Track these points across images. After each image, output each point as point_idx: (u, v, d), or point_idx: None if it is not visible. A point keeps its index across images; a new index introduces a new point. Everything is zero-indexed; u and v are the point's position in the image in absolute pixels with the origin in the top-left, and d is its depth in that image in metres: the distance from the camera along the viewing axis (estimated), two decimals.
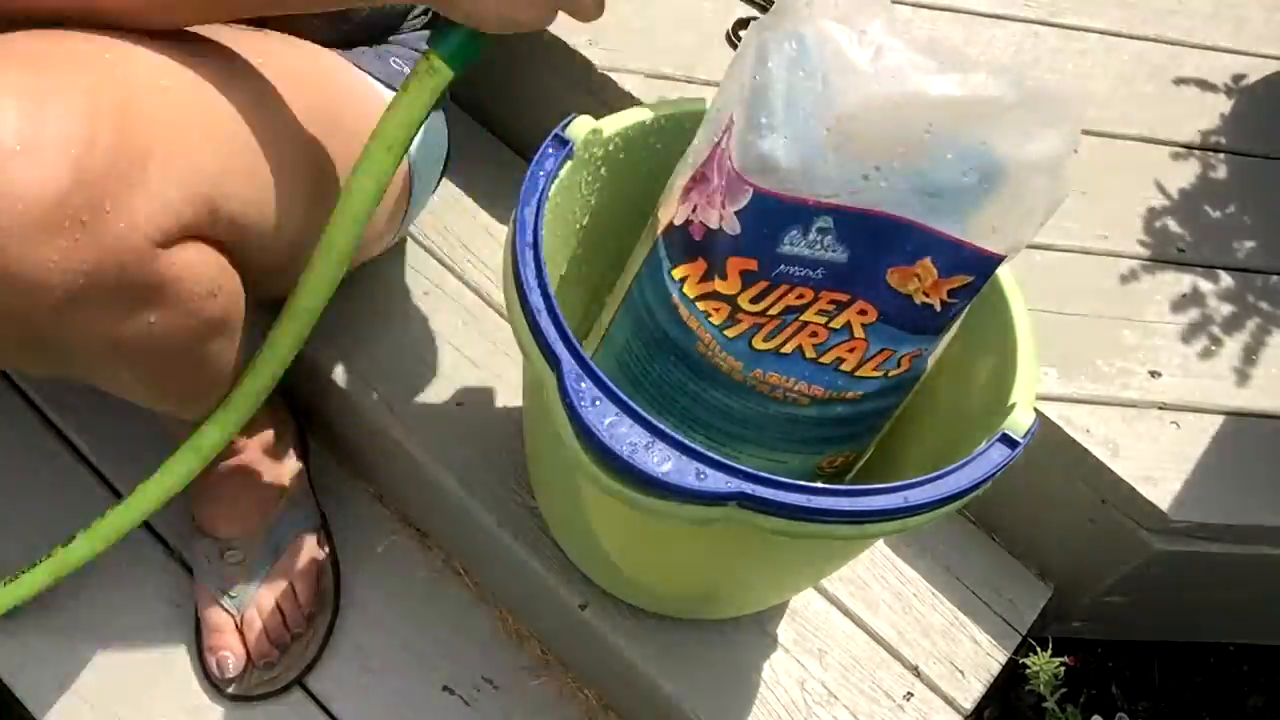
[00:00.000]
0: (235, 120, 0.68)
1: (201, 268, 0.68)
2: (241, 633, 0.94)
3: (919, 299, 0.70)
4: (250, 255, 0.73)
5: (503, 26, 0.67)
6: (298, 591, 0.96)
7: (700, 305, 0.71)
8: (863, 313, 0.71)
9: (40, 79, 0.57)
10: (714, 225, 0.69)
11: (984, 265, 0.69)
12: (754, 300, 0.70)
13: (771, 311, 0.70)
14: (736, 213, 0.67)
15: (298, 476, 1.01)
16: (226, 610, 0.94)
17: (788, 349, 0.71)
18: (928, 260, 0.68)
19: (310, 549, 0.99)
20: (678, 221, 0.71)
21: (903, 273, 0.69)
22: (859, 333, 0.72)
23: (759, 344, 0.71)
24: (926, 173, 0.66)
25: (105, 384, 0.76)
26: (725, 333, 0.71)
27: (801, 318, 0.71)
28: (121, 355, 0.69)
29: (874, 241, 0.67)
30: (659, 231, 0.73)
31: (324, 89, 0.82)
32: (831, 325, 0.71)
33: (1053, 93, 0.64)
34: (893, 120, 0.64)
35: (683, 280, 0.71)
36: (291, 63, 0.78)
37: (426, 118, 0.69)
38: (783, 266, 0.68)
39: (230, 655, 0.93)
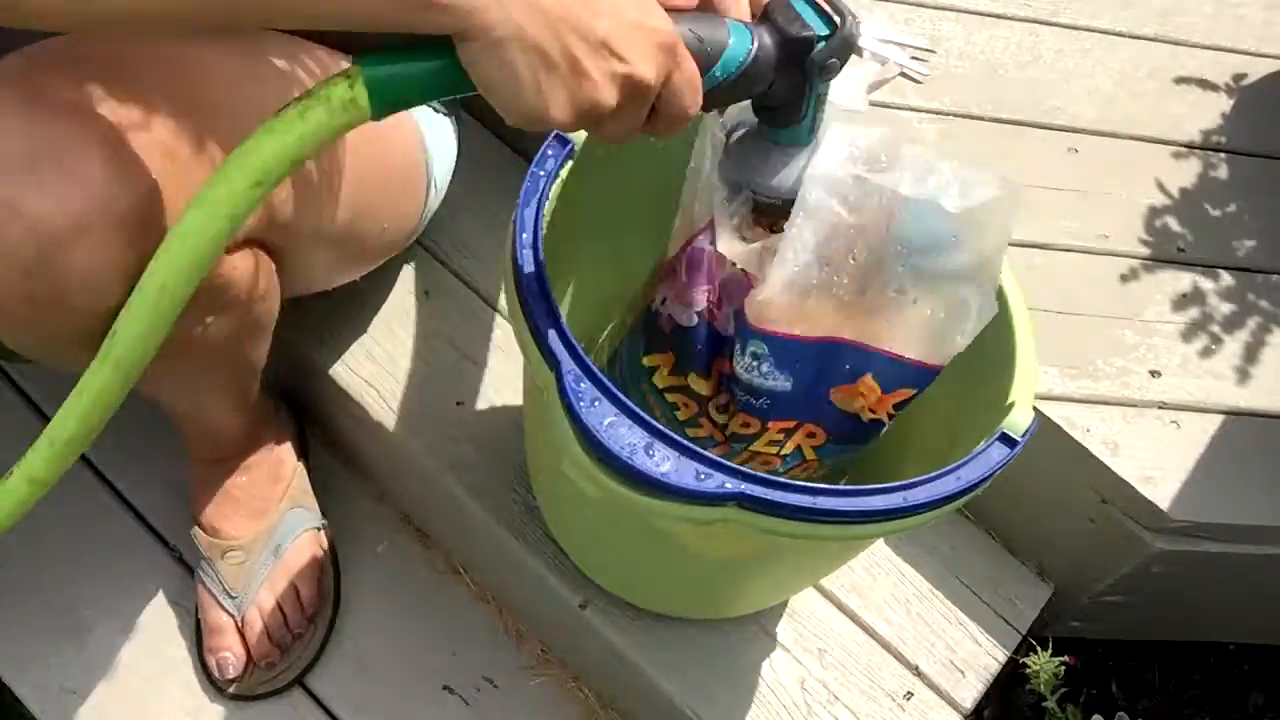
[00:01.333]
0: None
1: (254, 273, 0.71)
2: (242, 633, 0.94)
3: (865, 416, 0.72)
4: (294, 259, 0.76)
5: (522, 113, 0.51)
6: (299, 591, 0.96)
7: (669, 397, 0.71)
8: (811, 435, 0.72)
9: (125, 106, 0.58)
10: (684, 322, 0.70)
11: (923, 377, 0.70)
12: (719, 410, 0.71)
13: (728, 430, 0.71)
14: (733, 313, 0.68)
15: (298, 476, 1.01)
16: (227, 611, 0.94)
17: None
18: (869, 377, 0.69)
19: (311, 548, 0.99)
20: (653, 306, 0.72)
21: (846, 391, 0.70)
22: (810, 455, 0.73)
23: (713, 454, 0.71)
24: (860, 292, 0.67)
25: (144, 385, 0.77)
26: (687, 430, 0.72)
27: (751, 448, 0.72)
28: (174, 355, 0.70)
29: (814, 363, 0.68)
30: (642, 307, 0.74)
31: None
32: (783, 453, 0.73)
33: (977, 206, 0.64)
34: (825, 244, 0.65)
35: (654, 369, 0.72)
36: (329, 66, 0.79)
37: (312, 156, 0.52)
38: (734, 389, 0.69)
39: (231, 656, 0.93)
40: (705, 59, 0.56)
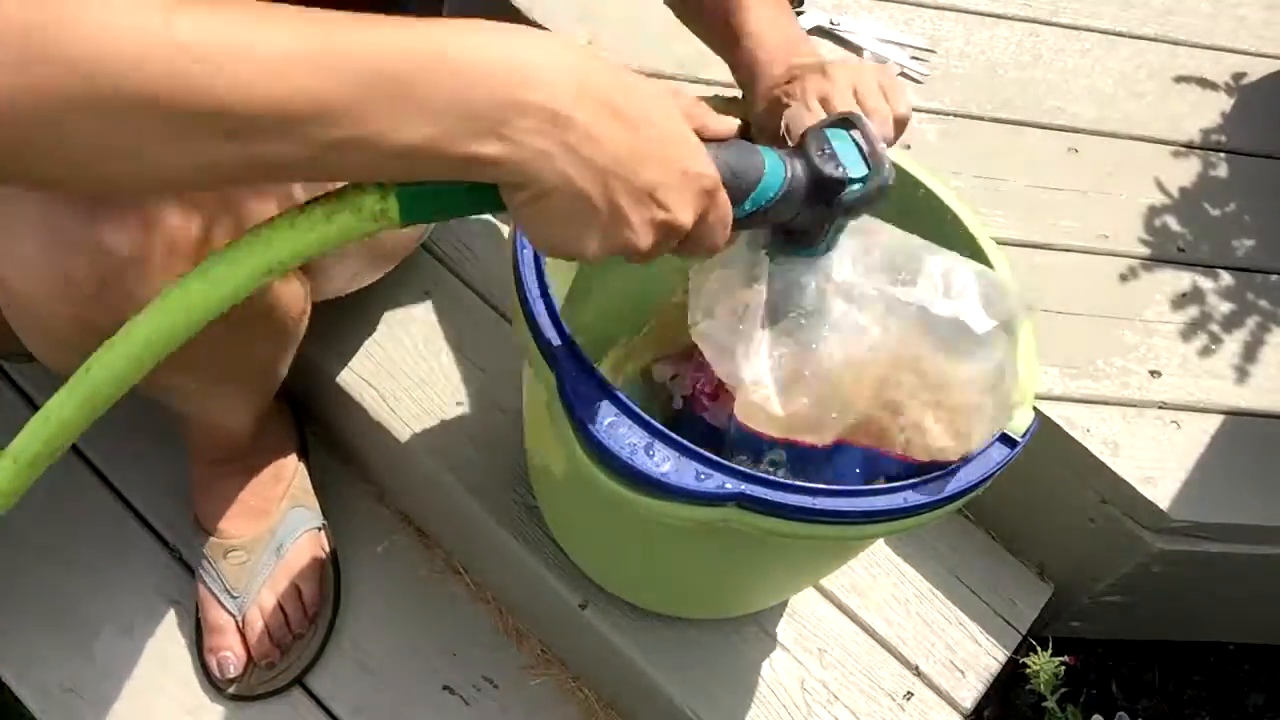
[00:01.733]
0: None
1: (296, 292, 0.74)
2: (243, 633, 0.94)
3: None
4: (326, 271, 0.79)
5: (554, 250, 0.51)
6: (301, 591, 0.96)
7: None
8: None
9: None
10: (675, 405, 0.71)
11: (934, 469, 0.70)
12: None
13: None
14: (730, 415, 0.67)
15: (299, 476, 1.01)
16: (228, 610, 0.94)
17: None
18: (881, 481, 0.68)
19: (313, 548, 0.99)
20: (655, 375, 0.72)
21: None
22: None
23: None
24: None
25: (177, 398, 0.80)
26: None
27: None
28: (215, 371, 0.72)
29: (827, 471, 0.67)
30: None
31: None
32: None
33: (999, 324, 0.64)
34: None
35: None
36: None
37: (326, 254, 0.51)
38: None
39: (231, 655, 0.93)
40: (738, 193, 0.55)
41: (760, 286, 0.64)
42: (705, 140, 0.54)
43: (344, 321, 1.04)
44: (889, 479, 0.68)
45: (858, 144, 0.59)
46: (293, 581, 0.96)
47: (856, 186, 0.58)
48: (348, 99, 0.42)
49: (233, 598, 0.94)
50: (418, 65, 0.43)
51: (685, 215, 0.51)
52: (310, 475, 1.03)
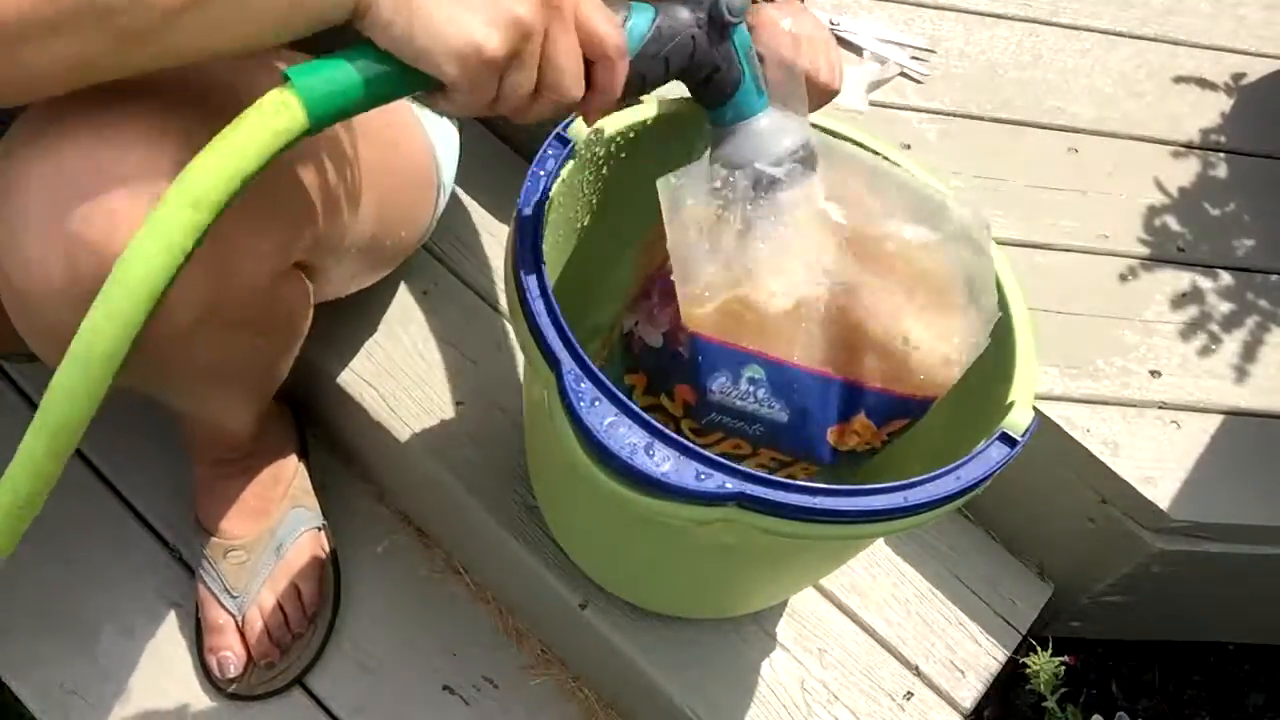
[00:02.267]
0: (329, 148, 0.70)
1: (300, 292, 0.75)
2: (242, 633, 0.94)
3: (861, 448, 0.72)
4: (327, 272, 0.79)
5: (456, 50, 0.51)
6: (301, 591, 0.96)
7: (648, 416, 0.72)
8: (805, 468, 0.73)
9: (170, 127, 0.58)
10: (652, 344, 0.70)
11: (920, 408, 0.70)
12: (695, 432, 0.71)
13: (712, 451, 0.72)
14: (689, 338, 0.68)
15: (299, 476, 1.01)
16: (228, 610, 0.94)
17: None
18: (862, 416, 0.69)
19: (312, 548, 0.99)
20: (624, 327, 0.72)
21: (840, 430, 0.71)
22: (803, 478, 0.73)
23: None
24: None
25: (178, 397, 0.79)
26: None
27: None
28: (217, 370, 0.72)
29: (809, 400, 0.68)
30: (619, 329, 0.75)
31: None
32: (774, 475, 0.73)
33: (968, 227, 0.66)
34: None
35: (632, 388, 0.73)
36: None
37: (257, 174, 0.50)
38: (714, 415, 0.69)
39: (231, 655, 0.93)
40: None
41: (716, 190, 0.65)
42: None
43: (344, 321, 1.04)
44: (873, 416, 0.68)
45: None
46: (292, 581, 0.96)
47: None
48: None
49: (233, 597, 0.94)
50: None
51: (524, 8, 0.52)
52: (310, 475, 1.03)
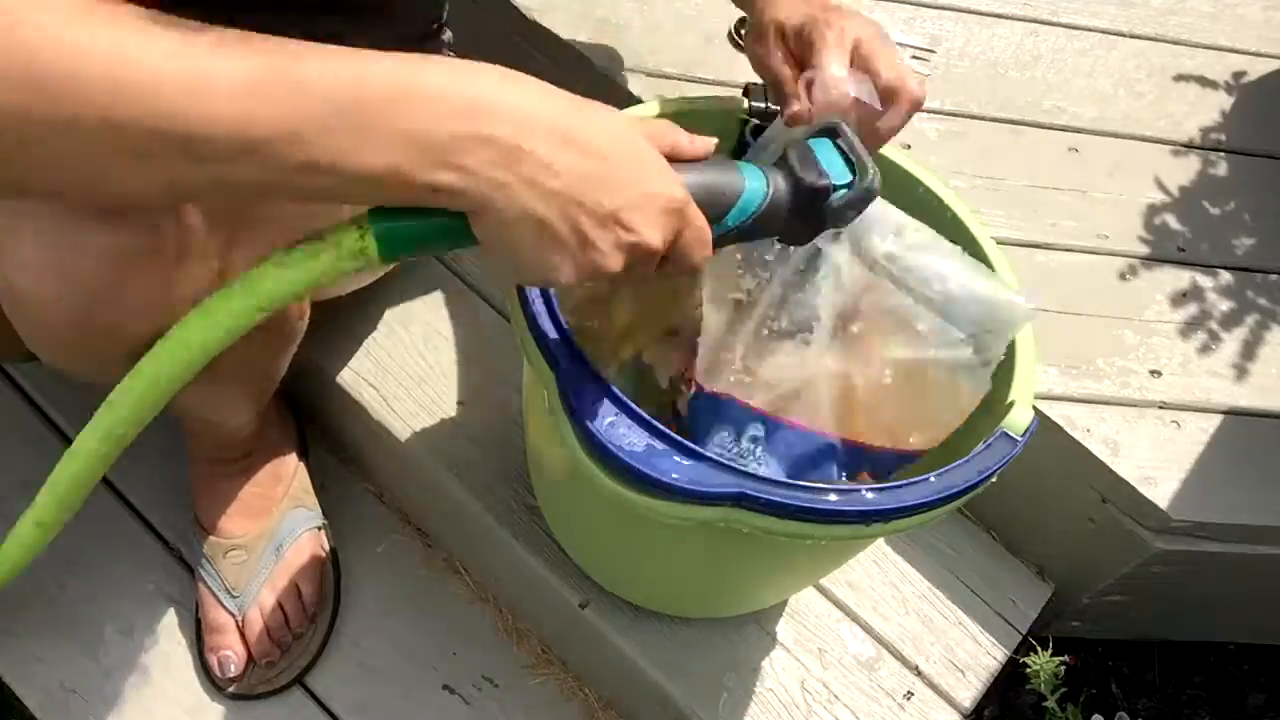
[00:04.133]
0: None
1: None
2: (243, 632, 0.94)
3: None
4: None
5: (527, 279, 0.53)
6: (301, 590, 0.96)
7: None
8: None
9: None
10: (663, 386, 0.70)
11: (913, 459, 0.70)
12: None
13: None
14: (690, 398, 0.68)
15: (299, 476, 1.01)
16: (228, 610, 0.94)
17: None
18: (865, 475, 0.69)
19: (312, 548, 0.99)
20: (646, 358, 0.72)
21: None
22: None
23: None
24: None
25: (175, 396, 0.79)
26: None
27: None
28: (212, 372, 0.71)
29: (809, 461, 0.68)
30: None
31: None
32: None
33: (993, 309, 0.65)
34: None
35: None
36: None
37: (313, 289, 0.53)
38: None
39: (232, 654, 0.94)
40: (716, 210, 0.56)
41: (752, 275, 0.65)
42: (680, 161, 0.55)
43: (344, 321, 1.04)
44: (874, 471, 0.68)
45: (842, 150, 0.59)
46: (292, 580, 0.96)
47: (841, 193, 0.58)
48: (309, 124, 0.44)
49: (233, 597, 0.94)
50: (382, 93, 0.45)
51: (653, 236, 0.52)
52: (310, 475, 1.03)
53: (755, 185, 0.57)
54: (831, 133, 0.60)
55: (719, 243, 0.57)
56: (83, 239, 0.55)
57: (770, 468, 0.67)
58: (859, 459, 0.68)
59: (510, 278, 0.52)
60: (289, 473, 1.00)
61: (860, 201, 0.59)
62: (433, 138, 0.46)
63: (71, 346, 0.61)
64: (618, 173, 0.51)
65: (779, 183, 0.58)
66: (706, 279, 0.67)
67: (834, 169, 0.58)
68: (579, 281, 0.52)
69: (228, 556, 0.95)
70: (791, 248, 0.64)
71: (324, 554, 1.00)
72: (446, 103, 0.46)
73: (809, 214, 0.58)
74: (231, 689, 0.94)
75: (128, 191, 0.45)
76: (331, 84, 0.44)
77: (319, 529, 1.00)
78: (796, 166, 0.58)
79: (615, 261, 0.52)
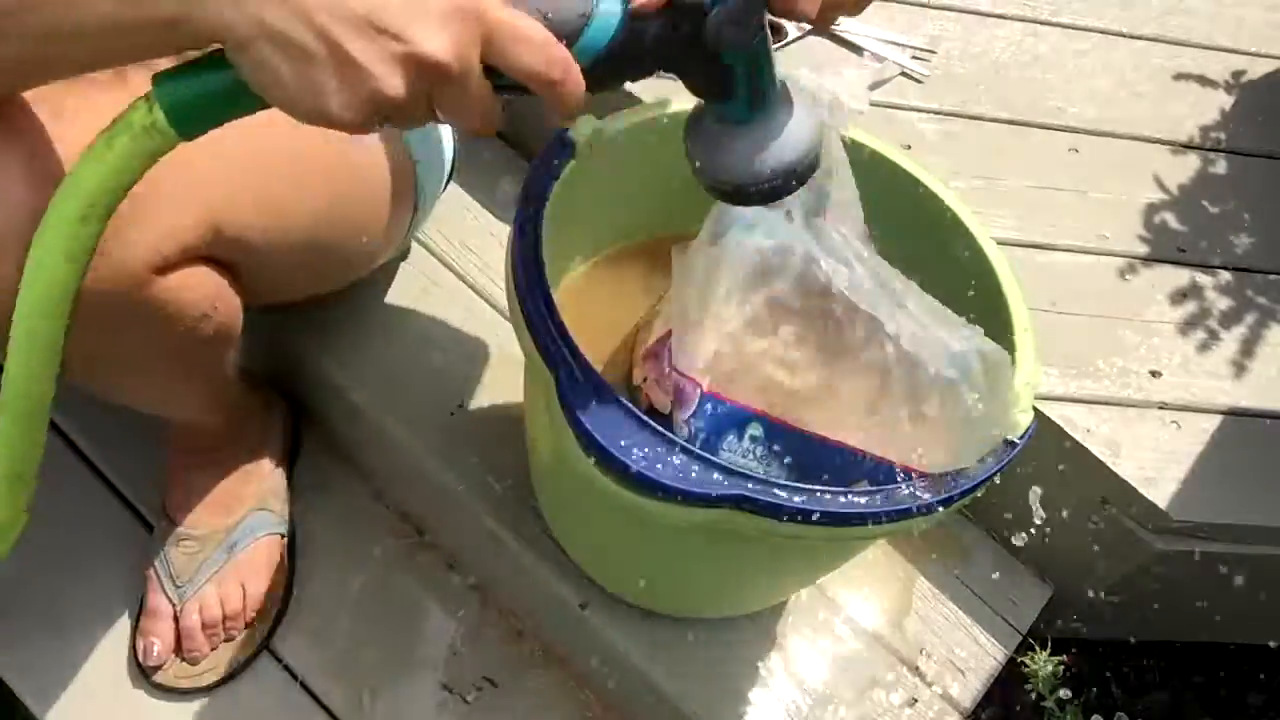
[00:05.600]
0: (244, 139, 0.63)
1: (198, 290, 0.69)
2: (177, 622, 0.94)
3: None
4: (252, 271, 0.74)
5: (304, 113, 0.46)
6: (245, 593, 0.95)
7: None
8: None
9: (31, 122, 0.56)
10: (660, 408, 0.70)
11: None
12: None
13: None
14: (688, 419, 0.68)
15: (273, 479, 1.01)
16: (169, 598, 0.94)
17: None
18: (864, 483, 0.69)
19: (268, 553, 0.98)
20: (635, 379, 0.72)
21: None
22: None
23: None
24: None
25: (100, 391, 0.78)
26: None
27: None
28: (115, 368, 0.69)
29: (809, 462, 0.68)
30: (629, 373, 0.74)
31: None
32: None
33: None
34: None
35: None
36: None
37: (134, 182, 0.50)
38: None
39: (158, 642, 0.93)
40: (558, 34, 0.48)
41: (733, 259, 0.64)
42: None
43: (342, 321, 1.04)
44: (868, 477, 0.68)
45: None
46: (239, 582, 0.95)
47: (716, 8, 0.49)
48: None
49: (176, 586, 0.94)
50: None
51: (435, 43, 0.45)
52: (308, 474, 1.03)
53: (609, 5, 0.50)
54: None
55: (601, 88, 0.50)
56: None
57: (771, 468, 0.67)
58: (856, 467, 0.68)
59: (292, 116, 0.46)
60: (262, 475, 0.99)
61: (745, 15, 0.50)
62: None
63: None
64: None
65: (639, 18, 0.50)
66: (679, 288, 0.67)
67: None
68: (365, 115, 0.46)
69: (180, 545, 0.94)
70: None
71: (278, 561, 0.99)
72: None
73: (687, 43, 0.50)
74: (155, 678, 0.93)
75: None
76: None
77: (280, 536, 0.99)
78: None
79: (395, 82, 0.45)
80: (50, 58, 0.47)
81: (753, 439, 0.67)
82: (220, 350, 0.78)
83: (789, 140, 0.55)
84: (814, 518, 0.60)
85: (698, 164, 0.58)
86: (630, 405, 0.60)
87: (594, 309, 0.81)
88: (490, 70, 0.47)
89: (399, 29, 0.44)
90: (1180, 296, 1.14)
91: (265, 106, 0.48)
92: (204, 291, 0.70)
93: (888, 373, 0.65)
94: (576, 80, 0.49)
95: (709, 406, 0.67)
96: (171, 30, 0.45)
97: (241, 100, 0.47)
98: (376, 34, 0.44)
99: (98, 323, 0.60)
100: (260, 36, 0.44)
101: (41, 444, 0.56)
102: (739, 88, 0.53)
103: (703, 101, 0.57)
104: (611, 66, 0.50)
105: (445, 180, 1.00)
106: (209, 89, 0.48)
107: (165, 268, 0.64)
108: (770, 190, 0.56)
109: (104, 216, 0.50)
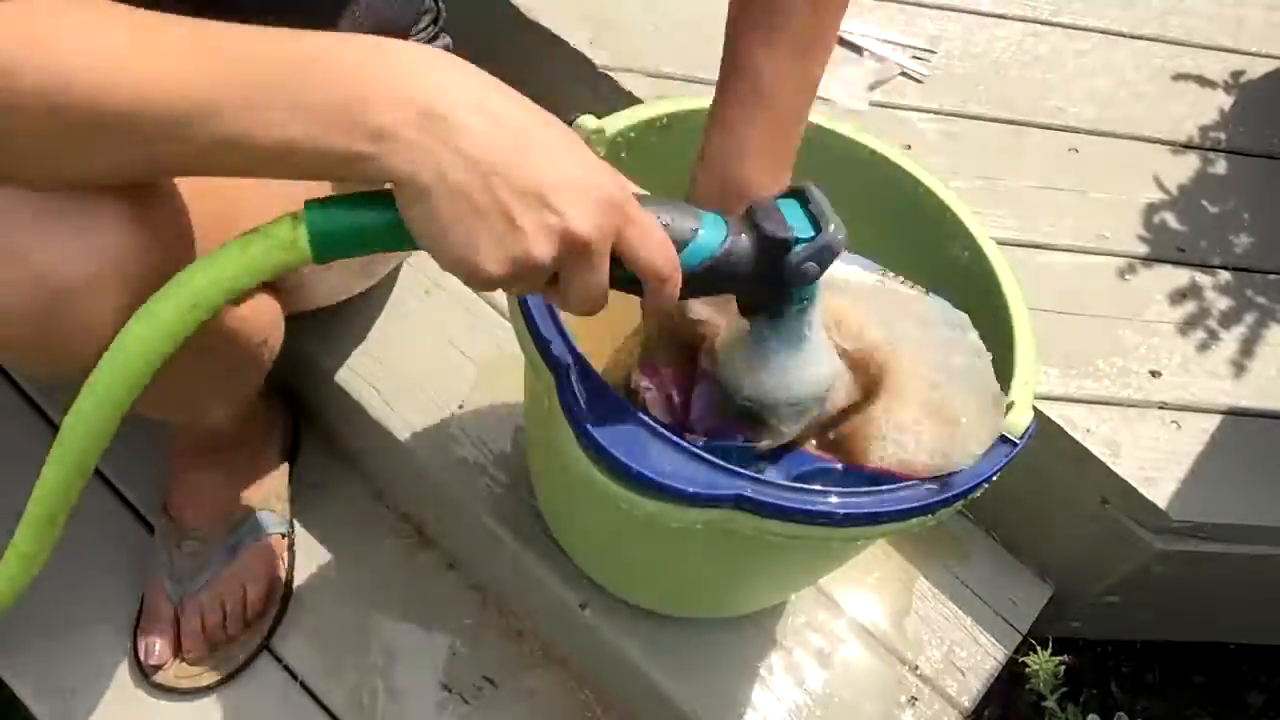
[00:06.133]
0: None
1: (262, 317, 0.72)
2: (178, 623, 0.94)
3: None
4: (299, 295, 0.77)
5: (453, 261, 0.49)
6: (247, 594, 0.95)
7: None
8: None
9: None
10: (660, 416, 0.70)
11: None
12: None
13: None
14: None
15: (275, 480, 1.01)
16: (169, 598, 0.94)
17: None
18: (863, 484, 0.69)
19: (270, 554, 0.98)
20: (632, 382, 0.72)
21: None
22: None
23: None
24: None
25: (150, 409, 0.78)
26: None
27: None
28: (164, 389, 0.70)
29: (810, 477, 0.68)
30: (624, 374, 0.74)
31: None
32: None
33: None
34: None
35: None
36: None
37: (250, 287, 0.52)
38: None
39: (159, 642, 0.93)
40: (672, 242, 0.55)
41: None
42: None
43: (344, 321, 1.04)
44: (872, 484, 0.68)
45: (806, 209, 0.59)
46: (241, 583, 0.95)
47: (801, 246, 0.57)
48: (224, 97, 0.44)
49: (177, 586, 0.94)
50: (290, 65, 0.45)
51: (583, 223, 0.49)
52: (308, 474, 1.03)
53: (713, 228, 0.56)
54: (800, 195, 0.60)
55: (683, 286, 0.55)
56: (18, 270, 0.52)
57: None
58: (857, 478, 0.68)
59: (441, 263, 0.50)
60: (262, 475, 0.99)
61: (820, 256, 0.58)
62: (344, 103, 0.45)
63: (27, 358, 0.58)
64: (545, 148, 0.49)
65: (739, 231, 0.57)
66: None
67: (798, 224, 0.58)
68: (505, 271, 0.49)
69: (181, 545, 0.94)
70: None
71: (280, 562, 0.99)
72: (356, 66, 0.46)
73: (769, 268, 0.58)
74: (155, 678, 0.93)
75: (70, 170, 0.47)
76: (243, 56, 0.45)
77: (283, 536, 1.00)
78: (759, 216, 0.58)
79: (543, 247, 0.48)
80: (216, 166, 0.47)
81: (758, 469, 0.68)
82: (265, 370, 0.80)
83: (818, 368, 0.64)
84: (814, 518, 0.60)
85: (739, 385, 0.65)
86: (631, 406, 0.60)
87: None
88: (611, 262, 0.52)
89: (562, 206, 0.48)
90: (1180, 296, 1.14)
91: (406, 247, 0.51)
92: (267, 318, 0.73)
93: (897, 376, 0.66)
94: (678, 282, 0.54)
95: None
96: (349, 165, 0.46)
97: (389, 238, 0.50)
98: (541, 206, 0.48)
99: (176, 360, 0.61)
100: (439, 187, 0.47)
101: (78, 492, 0.58)
102: (792, 314, 0.61)
103: (740, 328, 0.64)
104: (703, 279, 0.57)
105: None
106: (362, 223, 0.50)
107: (240, 298, 0.65)
108: (798, 411, 0.65)
109: (212, 310, 0.51)
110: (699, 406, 0.68)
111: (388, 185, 0.48)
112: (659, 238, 0.53)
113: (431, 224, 0.48)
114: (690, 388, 0.69)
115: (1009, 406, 0.67)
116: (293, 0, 0.63)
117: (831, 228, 0.58)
